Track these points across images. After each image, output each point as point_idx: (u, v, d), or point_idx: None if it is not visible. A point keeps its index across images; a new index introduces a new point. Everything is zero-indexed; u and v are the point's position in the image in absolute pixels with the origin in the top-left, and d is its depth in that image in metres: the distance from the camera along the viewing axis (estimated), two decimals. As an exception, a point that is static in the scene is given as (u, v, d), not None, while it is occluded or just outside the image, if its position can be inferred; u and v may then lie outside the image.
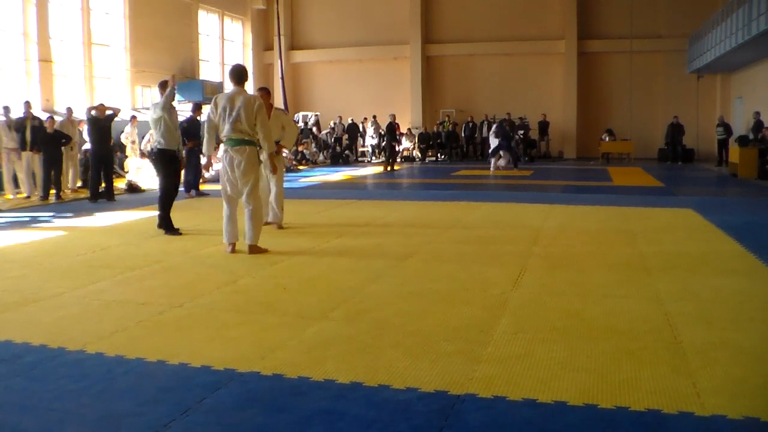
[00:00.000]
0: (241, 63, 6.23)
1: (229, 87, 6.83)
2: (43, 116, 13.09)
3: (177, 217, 7.82)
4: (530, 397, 2.94)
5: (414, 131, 24.05)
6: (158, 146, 7.63)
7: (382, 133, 23.64)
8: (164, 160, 7.64)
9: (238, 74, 6.34)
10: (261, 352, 3.55)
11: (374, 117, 23.57)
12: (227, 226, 6.41)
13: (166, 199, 7.61)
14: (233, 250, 6.38)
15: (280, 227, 7.90)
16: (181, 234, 7.50)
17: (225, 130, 6.21)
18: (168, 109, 7.57)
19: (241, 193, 6.38)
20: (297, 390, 3.06)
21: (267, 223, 7.64)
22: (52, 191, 11.67)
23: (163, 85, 7.72)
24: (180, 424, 2.73)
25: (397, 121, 23.66)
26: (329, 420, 2.75)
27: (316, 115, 23.72)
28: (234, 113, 6.14)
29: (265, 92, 7.88)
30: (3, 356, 3.56)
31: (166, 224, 7.58)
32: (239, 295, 4.83)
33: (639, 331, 3.88)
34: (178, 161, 7.82)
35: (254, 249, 6.37)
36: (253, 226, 6.35)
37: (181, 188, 12.29)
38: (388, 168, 18.54)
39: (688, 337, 3.74)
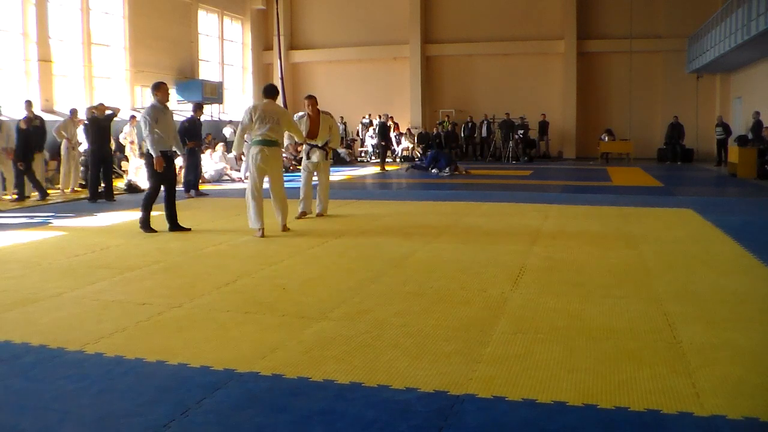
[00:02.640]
0: (272, 83, 8.13)
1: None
2: (44, 116, 13.11)
3: (180, 216, 7.86)
4: (529, 398, 2.94)
5: (413, 131, 24.05)
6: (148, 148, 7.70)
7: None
8: (152, 161, 7.68)
9: (273, 90, 7.65)
10: (260, 352, 3.55)
11: (379, 116, 23.60)
12: (257, 214, 7.31)
13: (147, 200, 7.77)
14: (263, 234, 7.27)
15: (321, 215, 9.01)
16: (156, 232, 7.66)
17: (261, 131, 7.28)
18: (160, 111, 7.59)
19: (269, 184, 7.55)
20: (296, 390, 3.06)
21: (304, 214, 8.87)
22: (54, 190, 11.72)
23: (156, 87, 7.73)
24: (179, 424, 2.73)
25: (395, 121, 23.72)
26: (329, 420, 2.75)
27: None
28: (273, 120, 7.34)
29: (314, 100, 8.83)
30: (2, 356, 3.56)
31: (144, 224, 7.72)
32: (238, 295, 4.82)
33: (638, 331, 3.88)
34: (171, 162, 7.83)
35: (286, 228, 7.66)
36: (284, 211, 7.59)
37: (181, 188, 12.35)
38: (381, 168, 18.59)
39: (687, 337, 3.74)
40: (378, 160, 23.23)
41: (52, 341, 3.75)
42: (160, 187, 7.80)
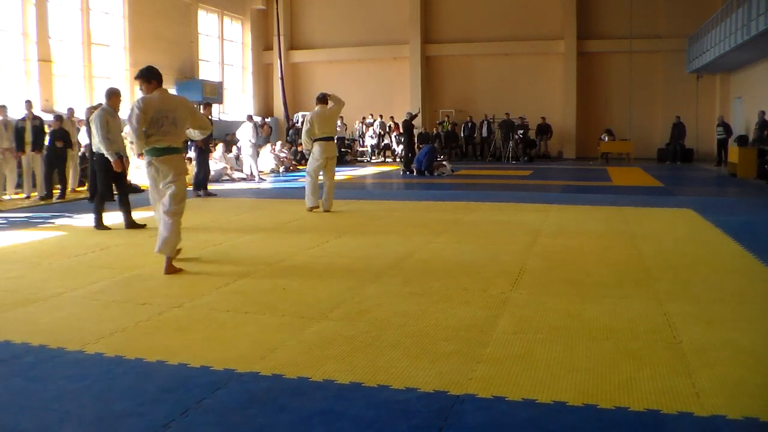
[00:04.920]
0: (152, 65, 5.74)
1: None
2: (43, 116, 13.12)
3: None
4: (529, 398, 2.94)
5: (414, 131, 24.01)
6: (99, 150, 7.89)
7: (382, 133, 23.68)
8: (103, 162, 7.89)
9: (154, 73, 5.60)
10: (260, 352, 3.55)
11: (381, 116, 23.61)
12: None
13: (100, 200, 8.04)
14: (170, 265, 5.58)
15: (327, 211, 9.29)
16: (109, 229, 7.89)
17: (154, 135, 5.46)
18: (110, 115, 7.80)
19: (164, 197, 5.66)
20: (297, 390, 3.06)
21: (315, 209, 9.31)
22: (56, 190, 11.83)
23: (112, 94, 8.00)
24: (179, 424, 2.73)
25: (396, 122, 23.70)
26: (329, 420, 2.75)
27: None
28: (168, 119, 5.48)
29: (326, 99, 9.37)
30: (2, 356, 3.56)
31: (98, 223, 7.95)
32: (238, 295, 4.82)
33: (639, 331, 3.88)
34: (122, 162, 8.04)
35: (171, 268, 5.50)
36: (169, 236, 5.53)
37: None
38: (408, 171, 16.83)
39: (687, 337, 3.74)
40: (381, 160, 23.28)
41: (52, 341, 3.75)
42: (112, 186, 8.12)
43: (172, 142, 5.53)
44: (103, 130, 7.55)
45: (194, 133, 6.01)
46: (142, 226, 7.97)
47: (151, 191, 5.78)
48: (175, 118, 5.51)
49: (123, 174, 8.17)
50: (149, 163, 5.56)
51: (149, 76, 5.54)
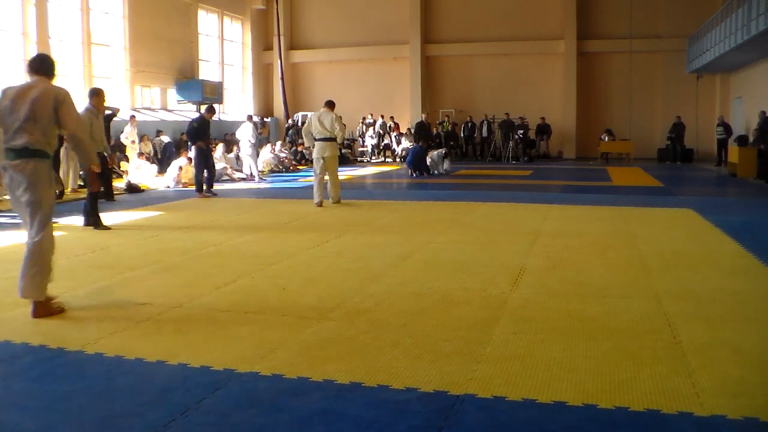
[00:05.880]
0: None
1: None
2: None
3: (180, 216, 7.94)
4: (529, 398, 2.94)
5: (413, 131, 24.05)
6: None
7: (382, 133, 23.68)
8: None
9: (43, 63, 4.59)
10: (260, 352, 3.55)
11: (381, 116, 23.62)
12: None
13: (91, 200, 8.11)
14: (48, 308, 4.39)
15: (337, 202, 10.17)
16: (109, 229, 7.96)
17: (6, 133, 4.31)
18: (93, 115, 7.99)
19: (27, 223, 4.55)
20: (296, 390, 3.06)
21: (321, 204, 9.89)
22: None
23: (95, 93, 8.21)
24: (179, 424, 2.73)
25: (395, 121, 23.69)
26: (329, 420, 2.75)
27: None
28: (23, 113, 4.23)
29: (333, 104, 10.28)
30: (2, 356, 3.56)
31: (95, 221, 8.07)
32: (238, 295, 4.82)
33: (638, 331, 3.88)
34: (104, 163, 8.29)
35: (41, 308, 4.27)
36: (37, 274, 4.39)
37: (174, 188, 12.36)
38: (423, 173, 16.34)
39: (687, 337, 3.74)
40: (381, 160, 23.26)
41: (52, 341, 3.75)
42: (102, 185, 8.41)
43: (30, 142, 4.23)
44: (88, 130, 7.62)
45: (66, 135, 4.51)
46: (107, 228, 8.01)
47: (12, 206, 4.59)
48: (33, 110, 4.22)
49: (104, 174, 8.32)
50: (3, 169, 4.35)
51: (28, 65, 4.54)
